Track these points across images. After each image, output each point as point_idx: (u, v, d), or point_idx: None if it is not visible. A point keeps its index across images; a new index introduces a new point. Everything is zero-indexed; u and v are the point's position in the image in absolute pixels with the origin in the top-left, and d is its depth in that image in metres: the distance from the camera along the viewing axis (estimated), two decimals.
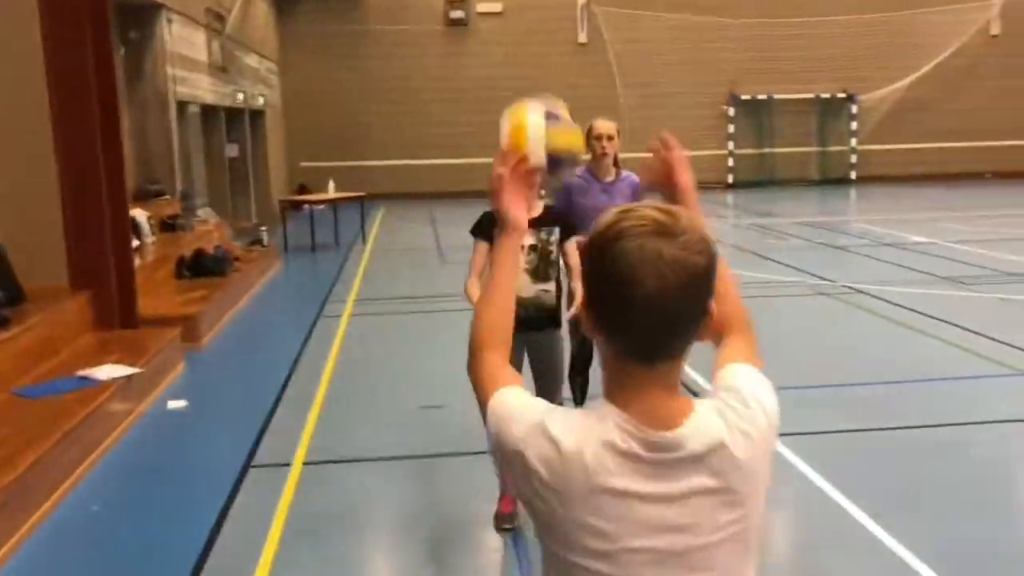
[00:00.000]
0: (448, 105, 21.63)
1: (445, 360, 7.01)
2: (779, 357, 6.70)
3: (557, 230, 3.97)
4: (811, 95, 22.33)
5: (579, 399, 5.09)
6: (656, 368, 1.24)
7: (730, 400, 1.30)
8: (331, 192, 14.38)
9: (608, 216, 1.25)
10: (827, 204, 19.29)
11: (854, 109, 22.43)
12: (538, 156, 2.19)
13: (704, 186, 23.34)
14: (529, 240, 3.86)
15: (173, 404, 6.00)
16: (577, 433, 1.24)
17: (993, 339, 6.93)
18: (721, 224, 15.61)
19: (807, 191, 21.39)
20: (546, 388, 4.08)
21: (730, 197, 20.80)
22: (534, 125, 2.24)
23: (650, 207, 1.23)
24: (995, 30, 22.56)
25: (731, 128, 22.31)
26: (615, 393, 1.26)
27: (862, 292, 8.97)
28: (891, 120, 22.29)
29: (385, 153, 21.54)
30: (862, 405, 5.64)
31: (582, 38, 21.90)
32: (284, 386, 6.40)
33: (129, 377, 5.74)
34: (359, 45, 21.57)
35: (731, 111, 22.26)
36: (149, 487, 4.78)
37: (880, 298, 8.65)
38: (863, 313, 8.21)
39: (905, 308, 8.19)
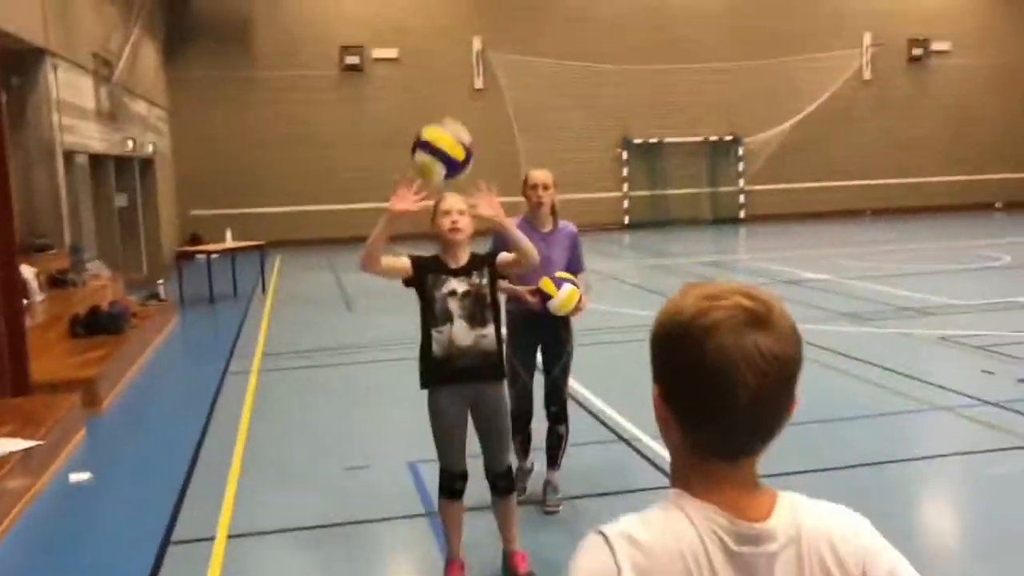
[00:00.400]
0: (345, 150, 21.42)
1: (366, 415, 6.83)
2: None
3: (487, 271, 3.89)
4: (700, 138, 23.07)
5: (523, 454, 4.96)
6: (741, 464, 1.16)
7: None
8: (229, 241, 13.94)
9: (688, 301, 1.14)
10: (721, 243, 19.86)
11: (740, 151, 23.29)
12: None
13: (601, 228, 23.76)
14: (461, 287, 3.82)
15: (76, 477, 5.59)
16: (666, 534, 1.13)
17: (902, 374, 7.18)
18: (620, 264, 15.86)
19: (700, 231, 22.00)
20: (495, 450, 3.96)
21: (627, 238, 21.21)
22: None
23: (734, 291, 1.14)
24: (867, 75, 23.88)
25: (625, 171, 22.80)
26: (695, 486, 1.16)
27: None
28: (776, 161, 23.23)
29: (280, 200, 21.09)
30: (785, 445, 5.69)
31: (479, 84, 22.08)
32: (196, 452, 6.06)
33: (26, 450, 5.32)
34: (251, 91, 21.16)
35: (624, 155, 22.77)
36: (55, 571, 4.40)
37: None
38: None
39: (812, 345, 8.40)
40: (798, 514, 1.16)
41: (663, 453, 5.55)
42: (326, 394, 7.61)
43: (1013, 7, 24.44)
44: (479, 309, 3.85)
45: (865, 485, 5.02)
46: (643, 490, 5.06)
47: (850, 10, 23.51)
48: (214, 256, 14.06)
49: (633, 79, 22.43)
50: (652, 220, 22.71)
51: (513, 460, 4.23)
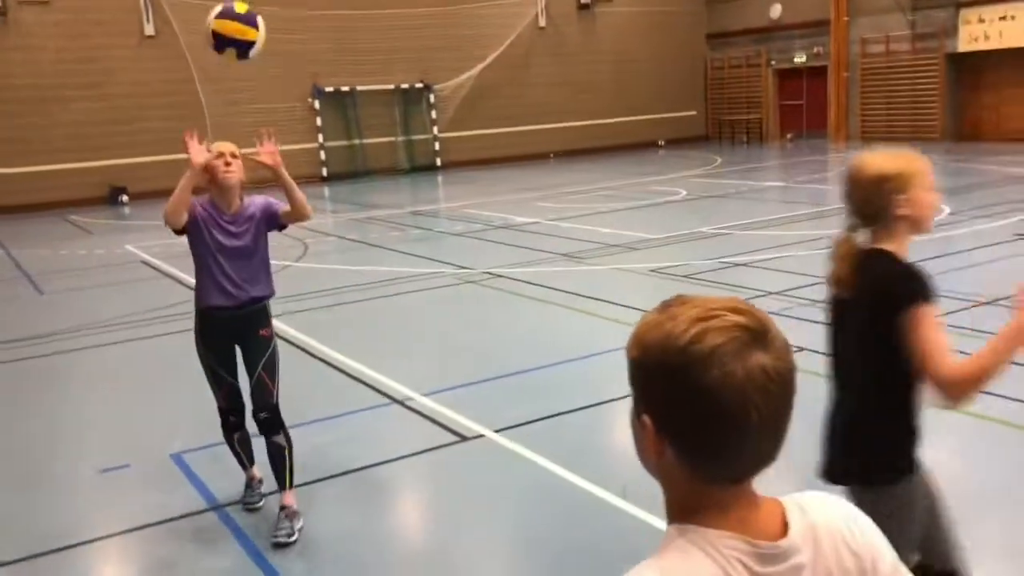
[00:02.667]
0: None
1: (104, 409, 6.11)
2: (468, 351, 6.88)
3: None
4: (392, 86, 22.98)
5: (249, 461, 4.44)
6: (746, 483, 1.12)
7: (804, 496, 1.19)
8: None
9: (679, 326, 1.06)
10: (424, 192, 20.05)
11: (432, 98, 23.54)
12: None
13: (299, 180, 22.81)
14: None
15: None
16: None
17: (636, 308, 7.74)
18: (327, 219, 15.51)
19: (399, 180, 22.06)
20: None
21: (326, 190, 20.75)
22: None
23: (723, 308, 1.08)
24: (542, 22, 25.04)
25: (319, 121, 22.18)
26: (700, 514, 1.10)
27: (501, 276, 9.48)
28: (466, 108, 23.78)
29: None
30: (561, 386, 5.92)
31: (149, 30, 20.21)
32: None
33: None
34: None
35: (316, 104, 22.12)
36: None
37: (521, 280, 9.21)
38: (512, 296, 8.67)
39: (545, 287, 8.79)
40: (808, 517, 1.14)
41: (438, 408, 5.55)
42: (51, 389, 6.71)
43: None
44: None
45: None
46: (429, 450, 5.03)
47: None
48: None
49: (321, 24, 21.74)
50: (350, 171, 22.39)
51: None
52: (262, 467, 4.40)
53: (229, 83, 20.66)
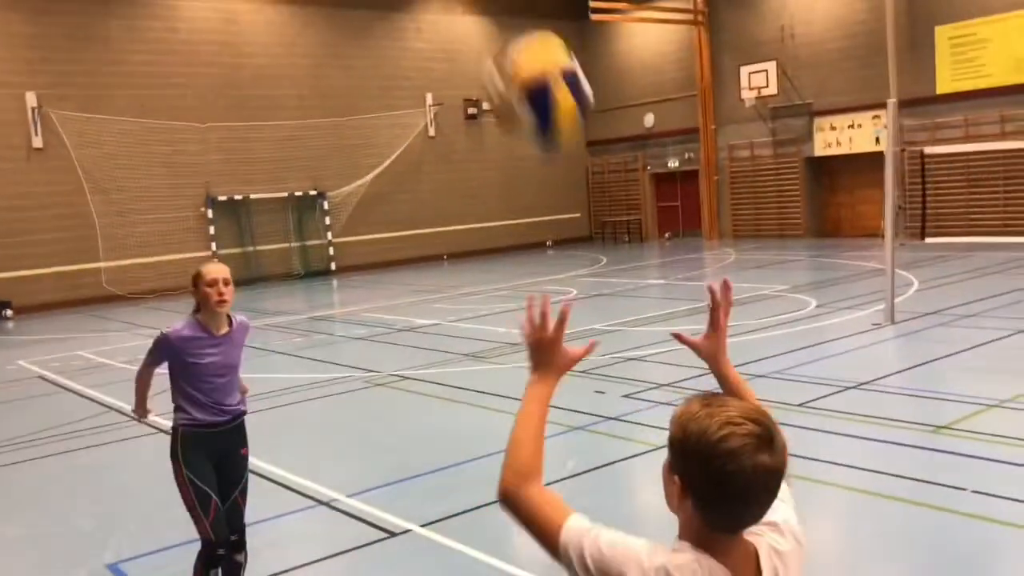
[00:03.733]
0: None
1: (30, 524, 6.11)
2: (387, 452, 7.19)
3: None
4: (285, 193, 23.36)
5: None
6: (738, 534, 1.66)
7: (775, 536, 1.72)
8: None
9: (713, 425, 1.56)
10: (321, 297, 20.28)
11: (326, 205, 24.01)
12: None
13: (186, 291, 22.66)
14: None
15: None
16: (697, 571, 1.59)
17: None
18: None
19: (294, 286, 22.24)
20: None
21: None
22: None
23: (746, 416, 1.57)
24: (432, 132, 26.07)
25: (212, 229, 22.27)
26: (702, 548, 1.61)
27: (408, 378, 9.86)
28: (359, 214, 24.33)
29: None
30: (477, 479, 6.30)
31: (37, 143, 20.09)
32: None
33: None
34: None
35: (210, 213, 22.25)
36: None
37: (427, 381, 9.61)
38: (421, 397, 9.05)
39: (451, 387, 9.23)
40: (773, 550, 1.70)
41: (364, 508, 5.86)
42: None
43: None
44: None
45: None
46: (360, 547, 5.32)
47: (415, 73, 25.51)
48: None
49: (213, 135, 22.09)
50: (245, 277, 22.39)
51: None
52: None
53: (120, 193, 20.70)
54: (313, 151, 23.65)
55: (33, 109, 19.91)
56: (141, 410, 4.53)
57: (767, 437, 1.58)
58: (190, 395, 4.17)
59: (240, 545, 4.36)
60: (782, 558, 1.70)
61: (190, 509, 4.14)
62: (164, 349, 4.17)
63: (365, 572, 5.14)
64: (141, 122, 21.00)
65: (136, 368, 4.50)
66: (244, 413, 4.45)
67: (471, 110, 26.52)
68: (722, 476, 1.55)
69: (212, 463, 4.20)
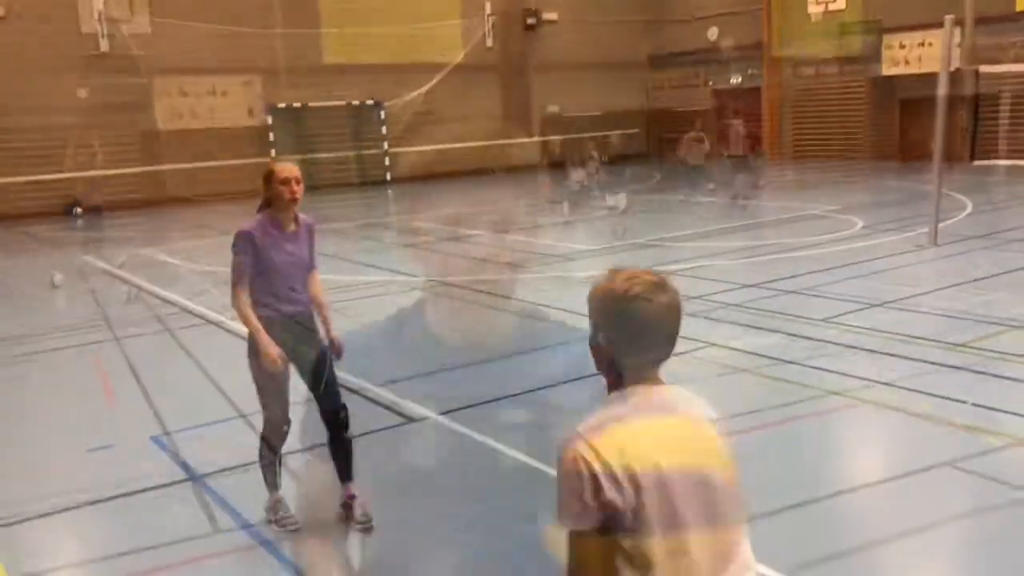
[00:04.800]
0: None
1: (75, 406, 6.63)
2: (428, 347, 7.48)
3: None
4: (343, 102, 23.58)
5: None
6: (656, 367, 1.88)
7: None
8: None
9: (617, 283, 1.82)
10: (381, 205, 20.56)
11: (382, 115, 24.18)
12: None
13: (250, 196, 23.15)
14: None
15: None
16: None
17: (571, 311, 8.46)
18: None
19: (350, 194, 22.60)
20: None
21: None
22: None
23: (636, 272, 1.84)
24: (489, 43, 25.84)
25: (271, 136, 22.68)
26: (624, 387, 1.84)
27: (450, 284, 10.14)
28: (414, 124, 24.44)
29: None
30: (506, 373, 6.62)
31: (104, 46, 20.54)
32: None
33: None
34: None
35: (269, 119, 22.62)
36: None
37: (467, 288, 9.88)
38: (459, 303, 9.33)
39: (491, 294, 9.50)
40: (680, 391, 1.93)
41: (389, 396, 6.21)
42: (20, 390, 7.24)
43: None
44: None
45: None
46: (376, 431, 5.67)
47: None
48: None
49: (274, 43, 22.31)
50: (305, 184, 22.86)
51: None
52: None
53: (184, 99, 21.16)
54: (372, 61, 23.69)
55: (99, 12, 20.30)
56: (273, 349, 4.26)
57: (661, 282, 1.83)
58: (265, 287, 4.32)
59: (348, 422, 4.33)
60: (691, 403, 1.92)
61: (259, 392, 4.38)
62: (246, 243, 4.29)
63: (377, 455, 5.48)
64: (207, 27, 21.24)
65: (227, 297, 4.47)
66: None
67: (530, 20, 26.19)
68: (634, 315, 1.79)
69: (287, 350, 4.33)
